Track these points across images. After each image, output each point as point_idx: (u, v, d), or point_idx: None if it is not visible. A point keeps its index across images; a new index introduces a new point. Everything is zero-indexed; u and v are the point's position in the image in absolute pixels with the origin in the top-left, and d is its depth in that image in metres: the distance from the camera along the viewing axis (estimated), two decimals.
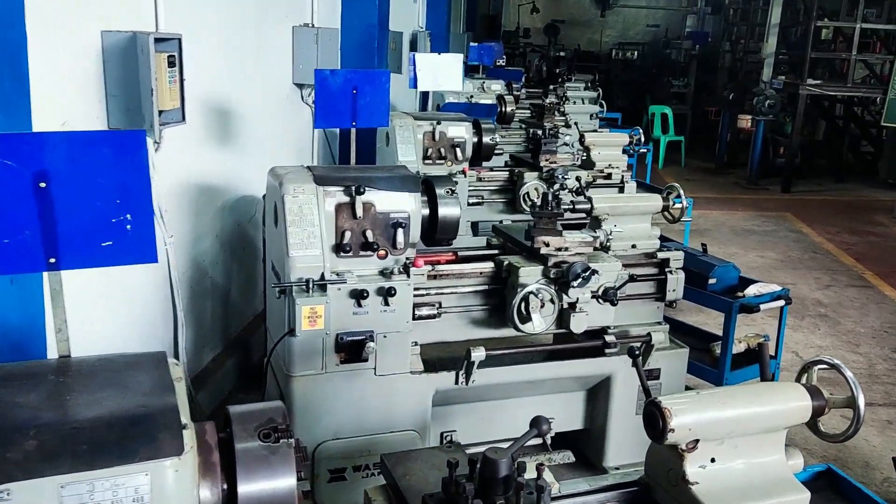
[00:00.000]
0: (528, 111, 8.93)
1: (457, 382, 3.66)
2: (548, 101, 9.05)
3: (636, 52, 21.80)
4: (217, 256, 4.70)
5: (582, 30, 23.55)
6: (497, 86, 10.13)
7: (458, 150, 5.84)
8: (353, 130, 4.42)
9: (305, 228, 3.35)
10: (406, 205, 3.52)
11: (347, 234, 3.42)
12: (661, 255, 4.03)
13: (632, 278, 3.77)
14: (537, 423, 1.96)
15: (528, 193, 5.91)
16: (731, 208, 11.28)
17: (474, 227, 6.08)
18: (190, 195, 4.28)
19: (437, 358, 3.80)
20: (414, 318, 3.56)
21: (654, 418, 1.83)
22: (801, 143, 13.18)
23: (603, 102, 10.98)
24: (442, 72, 6.16)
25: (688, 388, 4.28)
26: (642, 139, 6.65)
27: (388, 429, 3.58)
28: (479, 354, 3.56)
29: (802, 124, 12.83)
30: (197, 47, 4.24)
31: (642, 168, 10.90)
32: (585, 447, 4.19)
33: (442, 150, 5.83)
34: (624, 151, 6.79)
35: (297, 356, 3.38)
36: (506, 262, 3.69)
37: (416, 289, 3.55)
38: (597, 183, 6.22)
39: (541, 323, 3.57)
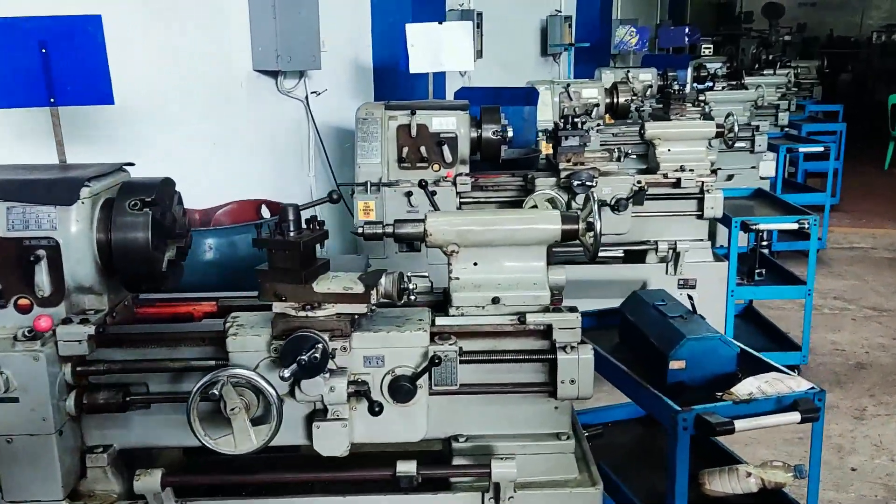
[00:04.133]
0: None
1: None
2: (675, 86, 7.06)
3: None
4: None
5: (838, 13, 19.89)
6: (647, 75, 8.29)
7: (444, 148, 4.30)
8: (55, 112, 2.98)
9: None
10: (49, 225, 2.17)
11: None
12: (536, 319, 2.24)
13: (427, 369, 2.05)
14: None
15: (535, 209, 4.21)
16: None
17: None
18: None
19: None
20: (85, 411, 2.20)
21: None
22: None
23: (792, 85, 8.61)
24: (445, 47, 4.63)
25: None
26: (736, 127, 4.57)
27: None
28: (148, 483, 2.10)
29: None
30: None
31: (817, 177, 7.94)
32: None
33: (423, 150, 4.32)
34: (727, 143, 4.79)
35: None
36: (229, 323, 2.18)
37: (74, 359, 2.18)
38: (654, 193, 4.34)
39: (248, 438, 2.02)
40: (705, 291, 4.39)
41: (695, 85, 9.18)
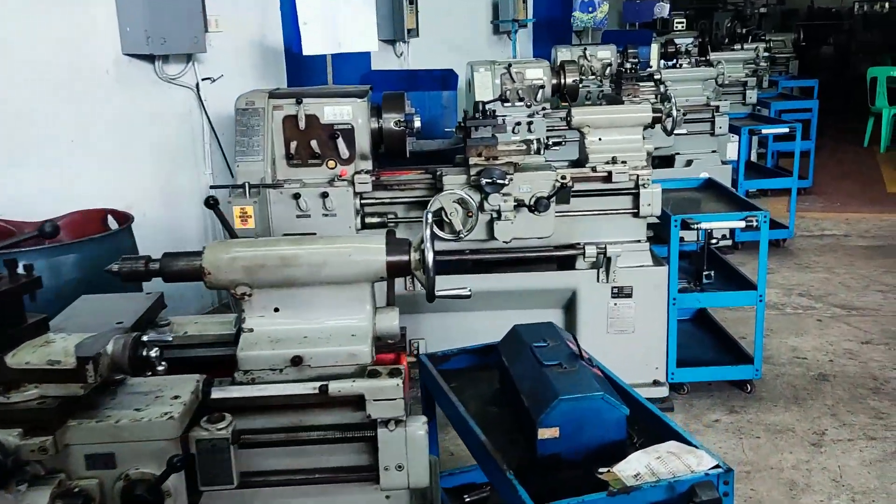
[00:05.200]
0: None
1: None
2: (628, 65, 6.49)
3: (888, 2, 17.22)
4: None
5: None
6: (606, 52, 7.73)
7: (339, 142, 3.72)
8: None
9: None
10: None
11: None
12: (341, 387, 1.67)
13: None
14: None
15: (443, 212, 3.64)
16: None
17: None
18: None
19: None
20: None
21: None
22: None
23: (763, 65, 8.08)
24: (343, 25, 4.02)
25: None
26: (674, 111, 3.99)
27: None
28: None
29: None
30: None
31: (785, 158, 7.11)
32: None
33: (314, 144, 3.73)
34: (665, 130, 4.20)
35: None
36: None
37: None
38: (582, 189, 3.77)
39: None
40: (644, 300, 3.85)
41: (662, 62, 8.61)
